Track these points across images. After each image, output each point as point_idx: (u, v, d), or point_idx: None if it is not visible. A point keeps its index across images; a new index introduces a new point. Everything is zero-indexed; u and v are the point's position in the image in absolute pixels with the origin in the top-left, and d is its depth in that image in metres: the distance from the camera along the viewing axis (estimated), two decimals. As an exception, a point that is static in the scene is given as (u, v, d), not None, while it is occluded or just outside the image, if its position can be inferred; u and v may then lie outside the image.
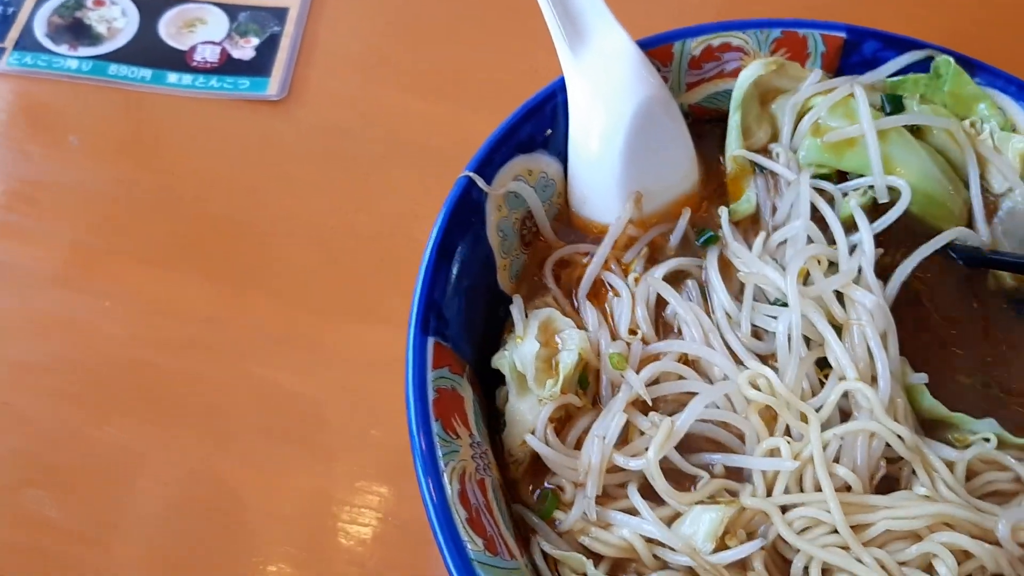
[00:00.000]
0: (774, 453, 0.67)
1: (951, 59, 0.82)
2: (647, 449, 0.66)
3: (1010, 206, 0.81)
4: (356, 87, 1.08)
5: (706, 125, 0.85)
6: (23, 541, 0.81)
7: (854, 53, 0.84)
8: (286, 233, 0.98)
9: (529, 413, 0.69)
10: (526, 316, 0.73)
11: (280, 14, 1.13)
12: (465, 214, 0.73)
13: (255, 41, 1.10)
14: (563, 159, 0.80)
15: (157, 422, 0.86)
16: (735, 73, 0.84)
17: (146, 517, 0.82)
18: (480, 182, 0.73)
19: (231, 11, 1.13)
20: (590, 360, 0.71)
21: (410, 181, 0.99)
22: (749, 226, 0.80)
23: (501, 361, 0.71)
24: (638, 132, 0.78)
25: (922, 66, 0.84)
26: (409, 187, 0.99)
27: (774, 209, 0.79)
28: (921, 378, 0.71)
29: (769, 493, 0.67)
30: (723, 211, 0.79)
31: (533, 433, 0.68)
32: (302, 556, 0.81)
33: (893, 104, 0.81)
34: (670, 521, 0.66)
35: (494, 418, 0.73)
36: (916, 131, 0.81)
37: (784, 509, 0.66)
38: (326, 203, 0.99)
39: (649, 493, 0.67)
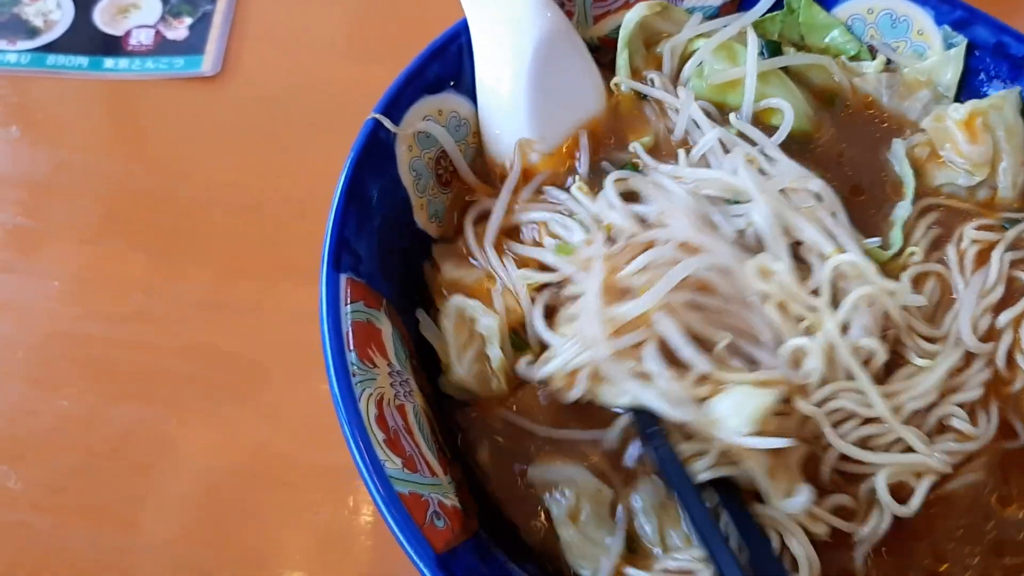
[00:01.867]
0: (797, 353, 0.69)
1: None
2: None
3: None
4: (288, 58, 1.10)
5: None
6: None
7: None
8: (221, 203, 1.00)
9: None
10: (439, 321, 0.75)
11: (211, -7, 1.14)
12: (374, 155, 0.74)
13: (188, 21, 1.12)
14: (474, 99, 0.82)
15: (101, 392, 0.88)
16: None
17: (95, 482, 0.84)
18: (386, 122, 0.74)
19: (163, -6, 1.15)
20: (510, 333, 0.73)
21: (341, 144, 0.98)
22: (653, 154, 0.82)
23: (448, 387, 0.73)
24: (541, 67, 0.79)
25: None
26: (340, 150, 0.98)
27: (669, 131, 0.81)
28: (875, 241, 0.76)
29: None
30: (636, 145, 0.80)
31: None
32: (249, 509, 0.82)
33: (772, 48, 0.86)
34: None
35: (425, 346, 0.74)
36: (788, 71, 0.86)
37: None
38: (259, 171, 1.01)
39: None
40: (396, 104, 0.76)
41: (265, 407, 0.88)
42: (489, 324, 0.72)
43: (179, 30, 1.11)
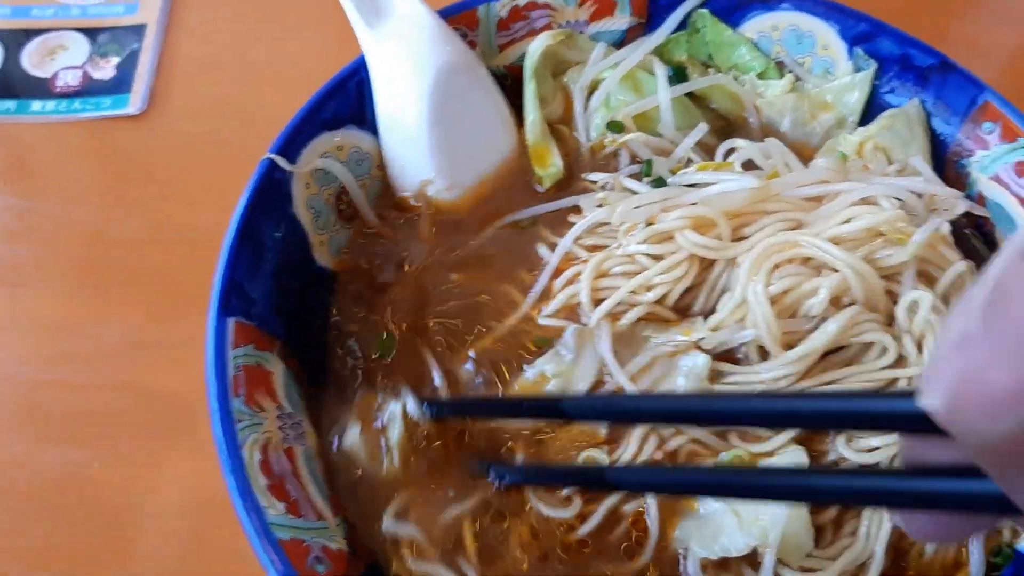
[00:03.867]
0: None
1: (707, 11, 0.87)
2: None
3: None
4: (216, 92, 1.10)
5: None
6: None
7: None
8: (153, 240, 1.00)
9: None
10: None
11: (139, 31, 1.15)
12: (269, 195, 0.75)
13: (115, 60, 1.13)
14: (376, 132, 0.82)
15: (34, 434, 0.88)
16: (547, 28, 0.86)
17: (27, 525, 0.84)
18: (281, 162, 0.75)
19: (91, 34, 1.15)
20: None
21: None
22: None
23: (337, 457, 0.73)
24: (441, 99, 0.79)
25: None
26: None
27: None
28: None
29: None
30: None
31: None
32: (189, 544, 0.83)
33: (677, 73, 0.86)
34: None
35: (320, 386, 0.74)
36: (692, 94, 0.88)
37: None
38: (190, 205, 1.01)
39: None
40: (292, 142, 0.77)
41: (197, 444, 0.88)
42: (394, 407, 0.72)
43: (106, 70, 1.11)
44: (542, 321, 0.76)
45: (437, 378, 0.74)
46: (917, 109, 0.84)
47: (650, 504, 0.69)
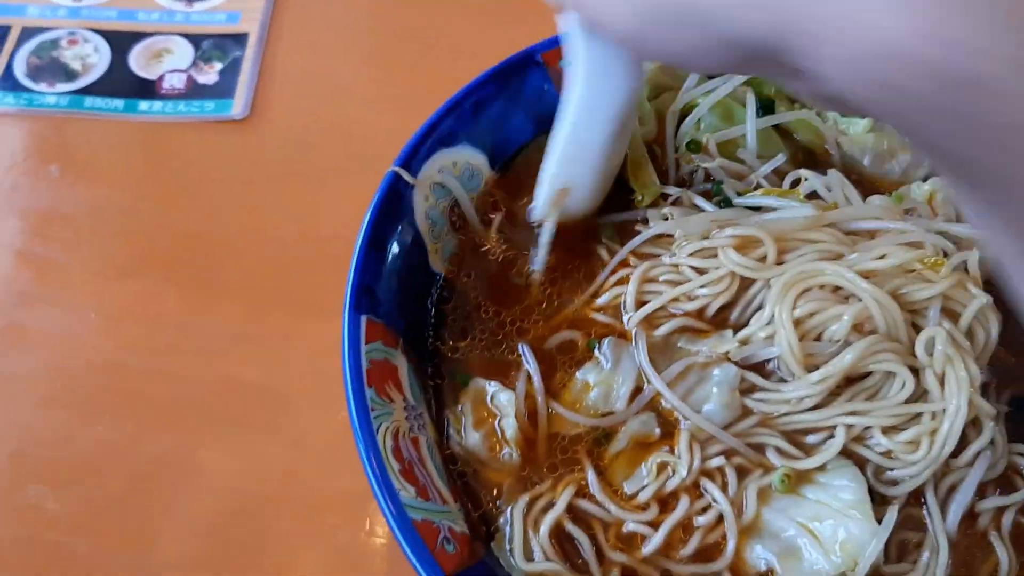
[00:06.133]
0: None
1: None
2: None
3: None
4: (313, 103, 1.17)
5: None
6: (25, 533, 0.89)
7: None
8: (249, 241, 1.06)
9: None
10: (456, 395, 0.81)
11: (241, 40, 1.21)
12: (393, 205, 0.80)
13: (219, 66, 1.19)
14: (485, 150, 0.88)
15: (137, 419, 0.94)
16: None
17: (130, 505, 0.90)
18: (405, 175, 0.81)
19: (195, 40, 1.22)
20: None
21: (362, 187, 1.05)
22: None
23: (459, 450, 0.78)
24: (627, 113, 0.80)
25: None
26: (361, 193, 1.04)
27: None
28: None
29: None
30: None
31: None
32: (273, 531, 0.88)
33: (765, 107, 0.92)
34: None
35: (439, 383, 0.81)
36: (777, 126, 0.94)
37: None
38: (285, 212, 1.07)
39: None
40: (414, 156, 0.82)
41: (288, 435, 0.94)
42: (507, 397, 0.78)
43: (210, 75, 1.18)
44: (592, 316, 0.83)
45: (533, 370, 0.80)
46: None
47: (727, 512, 0.75)
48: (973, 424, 0.77)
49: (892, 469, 0.76)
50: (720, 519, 0.75)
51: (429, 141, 0.84)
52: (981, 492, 0.77)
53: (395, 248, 0.80)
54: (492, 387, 0.78)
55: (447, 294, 0.84)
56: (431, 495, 0.70)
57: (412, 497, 0.68)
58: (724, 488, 0.75)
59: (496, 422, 0.77)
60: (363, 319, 0.74)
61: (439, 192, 0.84)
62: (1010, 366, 0.82)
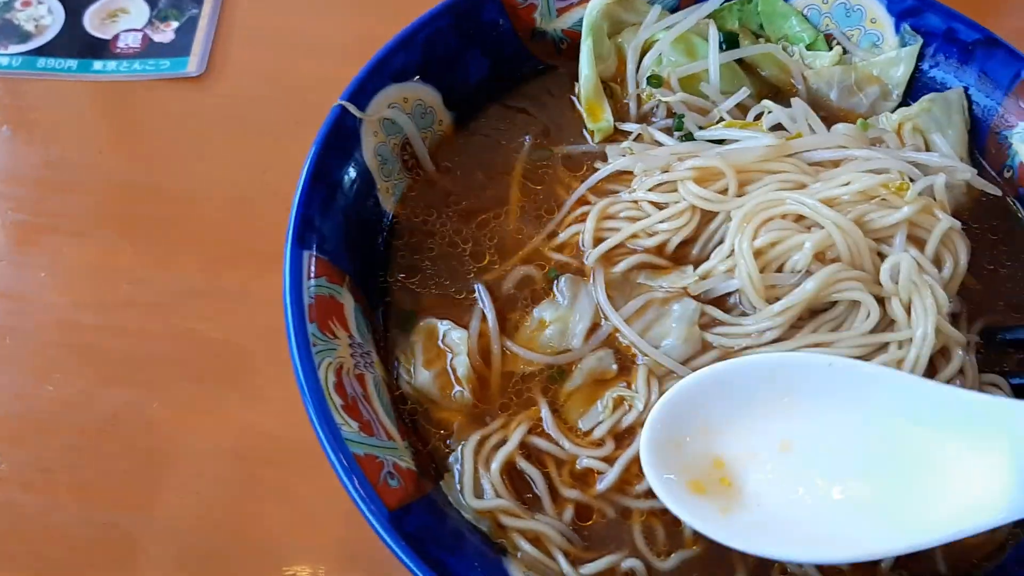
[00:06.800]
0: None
1: None
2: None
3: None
4: (271, 58, 1.14)
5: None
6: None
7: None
8: (209, 196, 1.03)
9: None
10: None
11: (198, -3, 1.18)
12: (340, 140, 0.78)
13: (175, 24, 1.16)
14: (440, 88, 0.85)
15: (90, 376, 0.91)
16: (603, -3, 0.89)
17: (82, 462, 0.87)
18: (352, 108, 0.78)
19: (151, -1, 1.19)
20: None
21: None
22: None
23: (408, 389, 0.75)
24: None
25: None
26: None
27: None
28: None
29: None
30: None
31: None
32: (234, 485, 0.86)
33: (728, 40, 0.89)
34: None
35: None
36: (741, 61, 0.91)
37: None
38: (245, 166, 1.05)
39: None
40: (362, 91, 0.80)
41: (247, 389, 0.91)
42: (459, 336, 0.75)
43: (166, 33, 1.15)
44: (550, 254, 0.80)
45: (487, 308, 0.77)
46: (959, 96, 0.87)
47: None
48: (942, 353, 0.74)
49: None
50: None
51: (379, 75, 0.81)
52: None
53: (342, 184, 0.77)
54: (444, 326, 0.76)
55: (399, 233, 0.81)
56: (376, 431, 0.67)
57: (355, 432, 0.65)
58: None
59: (448, 361, 0.74)
60: (307, 254, 0.72)
61: (389, 128, 0.81)
62: (979, 297, 0.79)
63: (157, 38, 1.15)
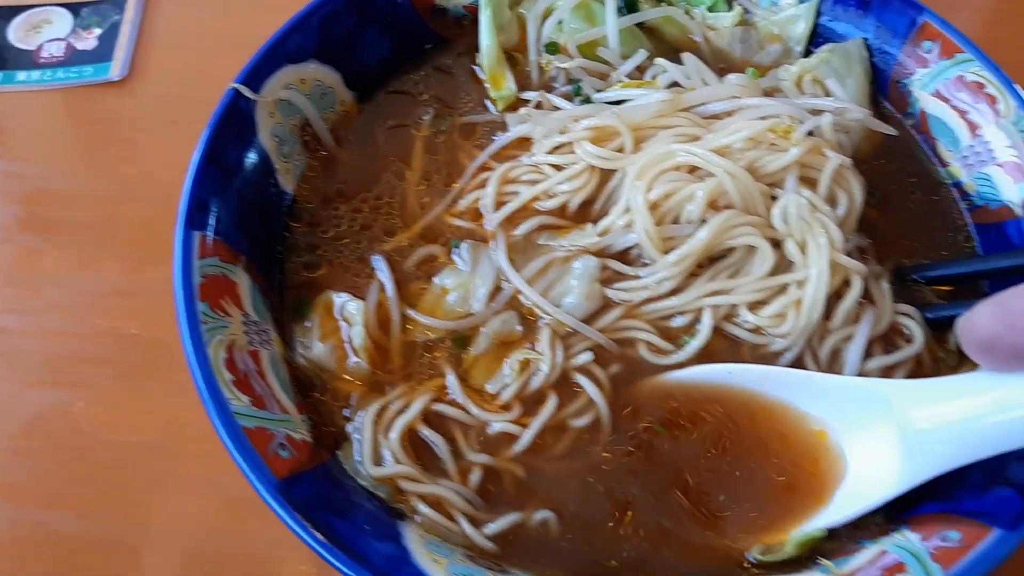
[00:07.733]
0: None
1: None
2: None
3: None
4: (193, 59, 1.14)
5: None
6: None
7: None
8: (130, 197, 1.03)
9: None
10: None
11: (119, 3, 1.19)
12: (234, 122, 0.78)
13: (98, 31, 1.17)
14: (339, 68, 0.85)
15: (15, 379, 0.91)
16: (503, -40, 0.89)
17: (12, 460, 0.87)
18: (245, 91, 0.78)
19: (74, 9, 1.19)
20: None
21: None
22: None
23: (303, 362, 0.75)
24: None
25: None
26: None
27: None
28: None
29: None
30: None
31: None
32: (162, 478, 0.86)
33: (629, 6, 0.90)
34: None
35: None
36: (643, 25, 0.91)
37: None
38: (166, 165, 1.02)
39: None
40: (257, 73, 0.80)
41: (172, 384, 0.91)
42: (356, 307, 0.75)
43: (89, 40, 1.15)
44: (452, 221, 0.81)
45: (386, 278, 0.77)
46: (858, 47, 0.87)
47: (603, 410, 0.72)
48: (846, 286, 0.74)
49: (766, 345, 0.73)
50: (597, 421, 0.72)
51: (273, 58, 0.81)
52: (869, 353, 0.74)
53: (237, 166, 0.77)
54: (341, 298, 0.76)
55: (299, 212, 0.81)
56: (268, 405, 0.67)
57: (245, 406, 0.65)
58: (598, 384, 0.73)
59: (344, 332, 0.74)
60: (197, 235, 0.72)
61: (286, 109, 0.81)
62: (889, 233, 0.80)
63: (80, 46, 1.16)
